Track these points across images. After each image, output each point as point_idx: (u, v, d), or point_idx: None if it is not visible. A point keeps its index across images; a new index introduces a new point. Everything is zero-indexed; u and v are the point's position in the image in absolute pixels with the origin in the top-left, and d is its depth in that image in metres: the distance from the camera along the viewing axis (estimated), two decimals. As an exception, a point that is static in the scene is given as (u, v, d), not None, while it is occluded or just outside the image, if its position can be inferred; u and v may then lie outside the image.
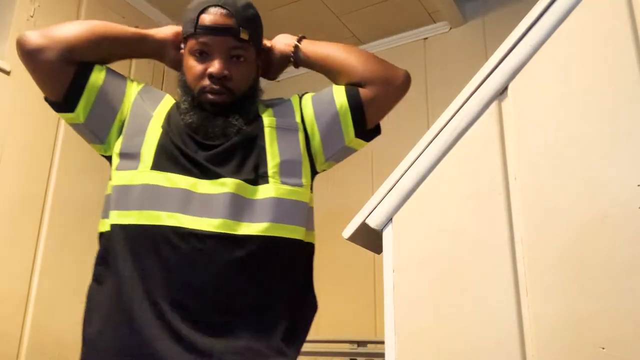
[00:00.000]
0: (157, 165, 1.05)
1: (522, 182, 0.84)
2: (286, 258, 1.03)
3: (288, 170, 1.07)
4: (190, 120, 1.09)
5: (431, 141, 0.93)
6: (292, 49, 1.16)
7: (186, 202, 1.01)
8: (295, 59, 1.18)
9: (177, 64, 1.17)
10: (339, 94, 1.15)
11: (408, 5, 2.65)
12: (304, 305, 1.11)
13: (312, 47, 1.18)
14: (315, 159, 1.13)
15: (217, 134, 1.08)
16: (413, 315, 0.87)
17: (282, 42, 1.18)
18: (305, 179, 1.08)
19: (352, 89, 1.14)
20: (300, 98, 1.20)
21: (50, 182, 2.07)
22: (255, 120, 1.12)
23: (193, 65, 1.09)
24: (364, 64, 1.16)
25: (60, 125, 2.15)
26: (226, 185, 1.02)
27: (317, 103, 1.16)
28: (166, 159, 1.05)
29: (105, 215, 1.07)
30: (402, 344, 0.87)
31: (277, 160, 1.07)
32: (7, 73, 1.98)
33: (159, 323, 0.96)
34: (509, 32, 0.91)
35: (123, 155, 1.10)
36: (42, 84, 1.17)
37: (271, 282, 1.02)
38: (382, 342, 0.92)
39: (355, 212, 1.01)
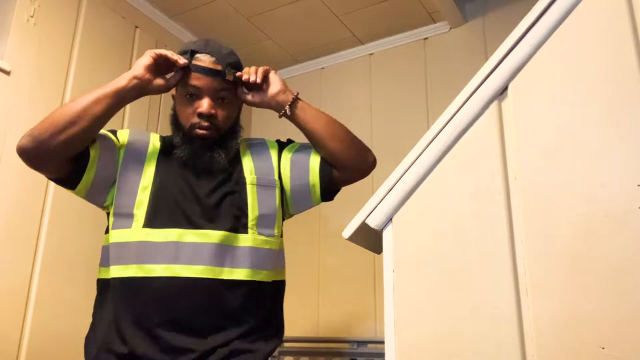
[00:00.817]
0: (148, 223, 1.21)
1: (522, 182, 0.84)
2: (258, 293, 1.24)
3: (264, 223, 1.27)
4: (181, 154, 1.27)
5: (431, 141, 0.93)
6: (287, 107, 1.29)
7: (176, 252, 1.18)
8: (285, 114, 1.30)
9: (163, 88, 1.27)
10: (314, 170, 1.33)
11: (408, 5, 2.65)
12: (271, 329, 1.30)
13: (303, 114, 1.30)
14: (285, 211, 1.35)
15: (204, 167, 1.27)
16: (413, 315, 0.87)
17: (278, 90, 1.30)
18: (277, 230, 1.30)
19: (326, 168, 1.33)
20: (280, 153, 1.37)
21: (50, 182, 2.06)
22: (237, 161, 1.32)
23: (184, 107, 1.28)
24: (343, 151, 1.32)
25: (60, 125, 2.15)
26: (211, 236, 1.20)
27: (294, 167, 1.34)
28: (157, 215, 1.22)
29: (105, 265, 1.24)
30: (402, 344, 0.87)
31: (256, 213, 1.26)
32: (7, 73, 1.98)
33: (144, 334, 1.17)
34: (509, 32, 0.91)
35: (117, 215, 1.24)
36: (46, 175, 1.30)
37: (245, 310, 1.22)
38: (382, 342, 0.92)
39: (355, 212, 1.01)
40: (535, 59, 0.88)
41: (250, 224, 1.25)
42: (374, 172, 3.03)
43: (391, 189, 0.95)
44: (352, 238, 1.01)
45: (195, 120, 1.26)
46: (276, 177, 1.32)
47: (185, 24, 2.79)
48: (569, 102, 0.83)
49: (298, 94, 1.30)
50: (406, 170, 0.94)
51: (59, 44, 2.19)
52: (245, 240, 1.24)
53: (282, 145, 1.40)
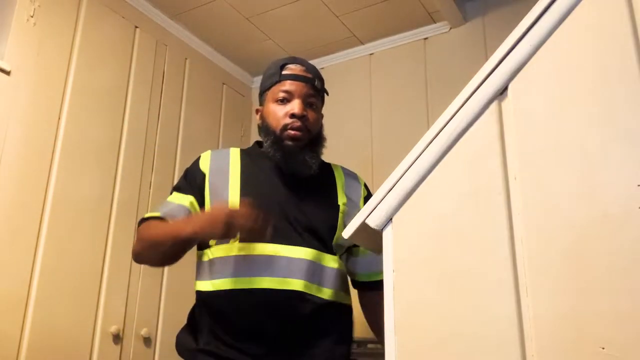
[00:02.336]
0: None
1: (522, 182, 0.84)
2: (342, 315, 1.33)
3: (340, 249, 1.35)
4: (273, 155, 1.32)
5: (431, 141, 0.93)
6: None
7: (272, 265, 1.23)
8: None
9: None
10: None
11: (408, 5, 2.64)
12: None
13: None
14: None
15: (296, 169, 1.31)
16: (413, 315, 0.87)
17: None
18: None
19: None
20: (366, 197, 1.43)
21: (50, 182, 2.06)
22: (330, 178, 1.40)
23: (276, 109, 1.33)
24: None
25: (60, 125, 2.15)
26: (304, 252, 1.25)
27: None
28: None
29: (205, 278, 1.29)
30: (402, 344, 0.87)
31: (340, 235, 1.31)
32: (7, 73, 1.98)
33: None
34: (509, 32, 0.91)
35: None
36: None
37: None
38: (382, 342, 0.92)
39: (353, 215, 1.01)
40: (535, 59, 0.88)
41: (334, 243, 1.31)
42: (373, 172, 3.02)
43: (391, 189, 0.95)
44: (352, 238, 1.01)
45: (288, 121, 1.31)
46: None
47: (185, 24, 2.79)
48: (569, 102, 0.83)
49: None
50: (406, 170, 0.94)
51: (59, 44, 2.19)
52: (333, 261, 1.30)
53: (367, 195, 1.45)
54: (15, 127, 1.97)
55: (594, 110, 0.81)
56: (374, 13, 2.71)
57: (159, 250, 1.27)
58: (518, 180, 0.84)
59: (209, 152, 1.41)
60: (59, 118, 2.15)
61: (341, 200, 1.36)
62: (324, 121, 1.44)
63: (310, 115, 1.33)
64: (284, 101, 1.33)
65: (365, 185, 1.48)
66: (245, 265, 1.23)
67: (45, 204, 2.04)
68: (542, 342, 0.76)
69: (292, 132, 1.30)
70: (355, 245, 1.38)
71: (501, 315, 0.80)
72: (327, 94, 1.42)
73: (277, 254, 1.23)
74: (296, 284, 1.22)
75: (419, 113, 2.73)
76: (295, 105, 1.31)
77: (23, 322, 1.90)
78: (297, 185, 1.32)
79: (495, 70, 0.90)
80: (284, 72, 1.35)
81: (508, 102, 0.89)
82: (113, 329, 2.15)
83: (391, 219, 0.95)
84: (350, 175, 1.47)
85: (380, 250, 0.98)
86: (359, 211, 1.22)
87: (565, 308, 0.75)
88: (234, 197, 1.27)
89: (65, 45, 2.22)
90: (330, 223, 1.31)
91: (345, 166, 1.60)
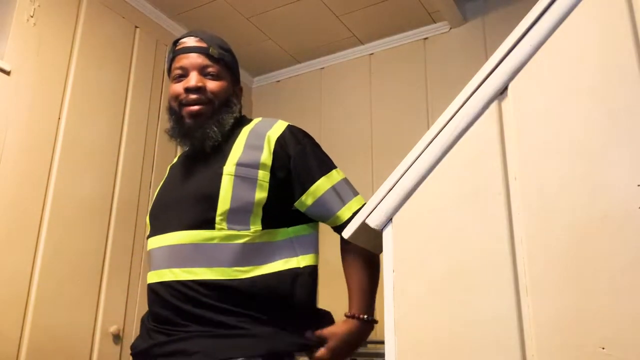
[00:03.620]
0: (150, 232, 1.26)
1: (522, 182, 0.84)
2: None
3: (236, 218, 1.21)
4: (173, 135, 1.25)
5: (431, 141, 0.93)
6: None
7: (159, 257, 1.21)
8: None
9: None
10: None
11: (408, 5, 2.65)
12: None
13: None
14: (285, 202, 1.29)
15: (198, 146, 1.22)
16: (413, 315, 0.87)
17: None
18: (254, 225, 1.19)
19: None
20: (275, 150, 1.26)
21: (50, 182, 2.07)
22: (230, 144, 1.23)
23: (174, 87, 1.25)
24: None
25: (60, 125, 2.15)
26: (171, 238, 1.20)
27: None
28: (153, 223, 1.26)
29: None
30: (402, 344, 0.87)
31: (227, 207, 1.16)
32: (7, 73, 1.98)
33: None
34: (509, 32, 0.91)
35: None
36: None
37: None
38: (382, 342, 0.92)
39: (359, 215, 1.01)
40: (535, 59, 0.88)
41: (218, 219, 1.14)
42: (373, 172, 3.02)
43: (391, 189, 0.95)
44: (352, 238, 1.01)
45: (183, 96, 1.22)
46: (264, 171, 1.18)
47: (185, 24, 2.79)
48: (569, 102, 0.83)
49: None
50: (406, 170, 0.94)
51: (59, 44, 2.19)
52: (214, 237, 1.13)
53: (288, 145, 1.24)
54: (15, 127, 1.97)
55: (594, 110, 0.81)
56: (374, 13, 2.71)
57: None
58: (518, 180, 0.84)
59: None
60: (59, 118, 2.15)
61: (229, 164, 1.17)
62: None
63: (211, 85, 1.23)
64: (181, 78, 1.24)
65: (285, 134, 1.23)
66: (150, 259, 1.25)
67: (45, 204, 2.04)
68: (542, 342, 0.76)
69: (190, 107, 1.21)
70: (295, 200, 1.22)
71: (501, 315, 0.80)
72: (237, 64, 1.31)
73: (155, 247, 1.21)
74: (164, 274, 1.15)
75: (419, 113, 2.73)
76: (190, 79, 1.22)
77: (23, 322, 1.90)
78: (195, 160, 1.24)
79: (495, 70, 0.90)
80: (176, 48, 1.27)
81: (508, 102, 0.89)
82: (113, 329, 2.16)
83: (391, 219, 0.95)
84: (258, 131, 1.24)
85: (380, 250, 0.98)
86: (257, 170, 1.16)
87: (565, 308, 0.75)
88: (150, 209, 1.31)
89: (65, 45, 2.22)
90: (209, 193, 1.15)
91: (345, 166, 1.49)
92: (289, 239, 1.23)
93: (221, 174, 1.16)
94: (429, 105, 2.72)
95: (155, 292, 1.17)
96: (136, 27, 2.57)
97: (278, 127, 1.24)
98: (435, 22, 2.79)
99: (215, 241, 1.13)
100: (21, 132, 1.99)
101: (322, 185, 1.21)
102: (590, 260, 0.75)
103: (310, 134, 1.31)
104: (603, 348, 0.71)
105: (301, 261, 1.23)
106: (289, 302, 1.17)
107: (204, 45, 1.26)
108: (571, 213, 0.78)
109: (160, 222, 1.22)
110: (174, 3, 2.64)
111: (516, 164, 0.85)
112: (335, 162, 1.69)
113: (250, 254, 1.15)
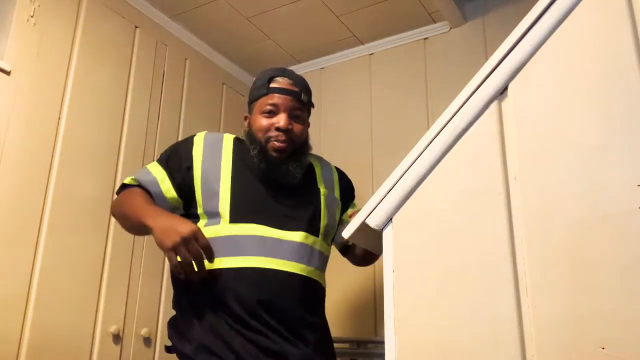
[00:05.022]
0: (234, 219, 1.32)
1: (522, 182, 0.84)
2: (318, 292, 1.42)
3: (328, 232, 1.47)
4: (258, 164, 1.38)
5: (431, 141, 0.93)
6: None
7: (263, 246, 1.31)
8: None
9: (165, 251, 1.24)
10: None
11: (408, 5, 2.64)
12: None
13: None
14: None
15: (280, 180, 1.38)
16: (413, 315, 0.87)
17: None
18: (329, 240, 1.51)
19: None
20: (340, 182, 1.62)
21: (50, 182, 2.06)
22: (311, 171, 1.50)
23: (262, 121, 1.39)
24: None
25: (60, 125, 2.15)
26: (293, 235, 1.35)
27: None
28: (240, 212, 1.33)
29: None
30: (402, 344, 0.87)
31: (325, 222, 1.44)
32: (7, 73, 1.98)
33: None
34: (509, 32, 0.91)
35: (207, 214, 1.35)
36: None
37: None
38: (382, 342, 0.92)
39: (356, 217, 1.01)
40: (535, 59, 0.88)
41: (321, 230, 1.40)
42: (373, 172, 3.02)
43: (391, 189, 0.95)
44: (352, 238, 1.01)
45: (273, 133, 1.37)
46: (338, 197, 1.52)
47: (186, 24, 2.79)
48: (569, 102, 0.83)
49: None
50: (406, 170, 0.95)
51: (59, 44, 2.19)
52: (317, 243, 1.38)
53: (345, 181, 1.62)
54: (15, 127, 1.97)
55: (594, 110, 0.81)
56: (374, 13, 2.71)
57: (127, 224, 1.36)
58: (518, 180, 0.84)
59: (202, 135, 1.45)
60: (59, 118, 2.15)
61: (322, 189, 1.47)
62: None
63: (296, 127, 1.40)
64: (271, 113, 1.39)
65: (339, 171, 1.63)
66: (235, 244, 1.32)
67: (45, 204, 2.04)
68: (542, 342, 0.76)
69: (277, 144, 1.37)
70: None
71: (501, 315, 0.80)
72: (313, 107, 1.50)
73: (264, 235, 1.31)
74: (287, 264, 1.30)
75: (419, 113, 2.73)
76: (280, 119, 1.37)
77: (23, 322, 1.90)
78: (282, 189, 1.40)
79: (495, 70, 0.90)
80: (271, 86, 1.41)
81: (508, 102, 0.89)
82: (113, 329, 2.15)
83: (391, 219, 0.95)
84: (325, 168, 1.57)
85: (380, 250, 0.98)
86: (333, 193, 1.50)
87: (565, 308, 0.75)
88: (224, 193, 1.33)
89: (65, 45, 2.22)
90: (314, 211, 1.41)
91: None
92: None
93: (319, 194, 1.44)
94: (429, 105, 2.72)
95: (280, 279, 1.29)
96: (136, 27, 2.57)
97: (334, 167, 1.64)
98: (435, 22, 2.79)
99: (317, 247, 1.39)
100: (21, 132, 1.99)
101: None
102: (590, 260, 0.75)
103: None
104: (603, 348, 0.71)
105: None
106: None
107: (296, 89, 1.42)
108: (571, 213, 0.78)
109: (270, 216, 1.33)
110: (174, 3, 2.64)
111: (516, 164, 0.85)
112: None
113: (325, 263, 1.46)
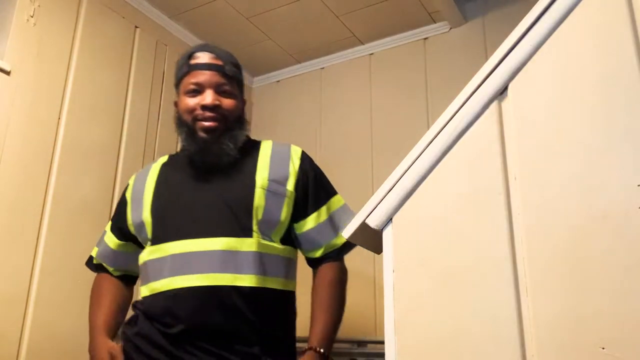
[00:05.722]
0: (154, 240, 1.25)
1: (522, 182, 0.84)
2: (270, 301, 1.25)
3: (267, 228, 1.29)
4: (187, 148, 1.28)
5: (431, 141, 0.93)
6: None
7: (181, 264, 1.20)
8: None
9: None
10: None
11: (408, 5, 2.64)
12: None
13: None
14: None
15: (213, 161, 1.26)
16: (413, 315, 0.87)
17: None
18: (276, 237, 1.29)
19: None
20: (303, 168, 1.38)
21: (50, 182, 2.06)
22: (251, 161, 1.30)
23: (187, 101, 1.28)
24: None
25: (60, 125, 2.15)
26: (214, 243, 1.22)
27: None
28: (161, 230, 1.25)
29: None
30: (402, 344, 0.87)
31: (260, 217, 1.27)
32: (7, 73, 1.98)
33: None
34: (509, 32, 0.91)
35: (144, 242, 1.31)
36: None
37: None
38: (382, 342, 0.92)
39: (355, 212, 1.01)
40: (535, 59, 0.88)
41: (254, 228, 1.22)
42: (373, 172, 3.02)
43: (391, 189, 0.95)
44: (352, 238, 1.01)
45: (199, 112, 1.26)
46: (292, 189, 1.28)
47: (185, 24, 2.79)
48: (569, 102, 0.83)
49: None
50: (406, 170, 0.94)
51: (59, 44, 2.19)
52: (250, 244, 1.21)
53: (308, 165, 1.36)
54: (15, 127, 1.97)
55: (594, 110, 0.81)
56: (374, 13, 2.71)
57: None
58: (518, 180, 0.84)
59: (134, 175, 1.42)
60: (59, 118, 2.15)
61: (260, 178, 1.26)
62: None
63: (225, 103, 1.28)
64: (195, 92, 1.28)
65: (304, 157, 1.36)
66: (156, 267, 1.23)
67: (45, 204, 2.04)
68: (542, 342, 0.76)
69: (205, 123, 1.26)
70: (296, 220, 1.31)
71: (501, 315, 0.80)
72: (242, 77, 1.36)
73: (184, 251, 1.20)
74: (210, 278, 1.16)
75: (419, 113, 2.73)
76: (206, 96, 1.26)
77: (23, 322, 1.90)
78: (212, 173, 1.28)
79: (495, 70, 0.90)
80: (192, 62, 1.30)
81: (508, 102, 0.89)
82: (113, 329, 2.15)
83: (391, 219, 0.95)
84: (280, 151, 1.34)
85: (380, 250, 0.98)
86: (286, 188, 1.27)
87: (565, 308, 0.75)
88: (146, 218, 1.27)
89: (65, 45, 2.22)
90: (245, 205, 1.23)
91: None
92: (290, 259, 1.31)
93: (253, 186, 1.24)
94: (429, 105, 2.72)
95: (196, 297, 1.17)
96: (136, 27, 2.57)
97: (297, 150, 1.36)
98: (435, 22, 2.79)
99: (253, 249, 1.20)
100: (21, 132, 1.99)
101: (324, 213, 1.32)
102: (590, 260, 0.75)
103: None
104: (603, 348, 0.71)
105: (293, 284, 1.33)
106: (283, 323, 1.28)
107: (219, 62, 1.29)
108: (571, 213, 0.78)
109: (185, 226, 1.22)
110: (174, 3, 2.64)
111: (516, 164, 0.85)
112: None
113: (275, 264, 1.25)
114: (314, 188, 1.32)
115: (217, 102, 1.26)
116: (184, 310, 1.16)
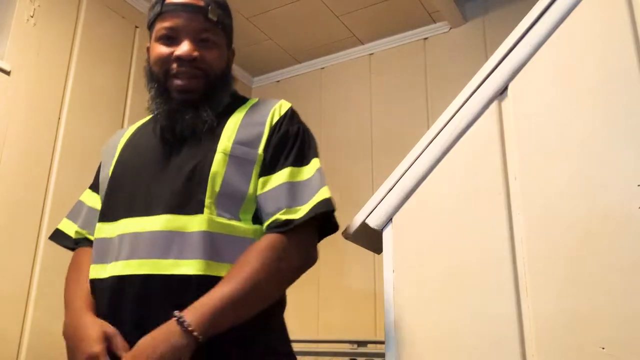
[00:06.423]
0: (102, 216, 1.00)
1: (522, 182, 0.84)
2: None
3: (226, 202, 0.98)
4: (157, 112, 1.02)
5: (431, 141, 0.93)
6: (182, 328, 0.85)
7: (119, 247, 0.94)
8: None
9: None
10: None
11: (408, 5, 2.64)
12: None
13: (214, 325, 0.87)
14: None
15: (185, 131, 0.99)
16: (413, 315, 0.87)
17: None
18: (244, 214, 0.97)
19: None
20: (276, 124, 1.04)
21: (50, 182, 2.06)
22: (231, 111, 1.02)
23: (159, 50, 1.02)
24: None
25: (60, 125, 2.15)
26: (152, 222, 0.94)
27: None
28: (111, 205, 0.99)
29: None
30: (402, 344, 0.87)
31: (217, 189, 0.98)
32: (7, 73, 1.98)
33: None
34: (509, 32, 0.91)
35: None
36: None
37: None
38: (382, 342, 0.92)
39: (355, 212, 1.01)
40: (535, 59, 0.88)
41: (207, 202, 0.93)
42: (374, 172, 3.01)
43: (391, 189, 0.95)
44: (352, 238, 1.01)
45: (173, 66, 1.00)
46: (261, 151, 0.98)
47: (185, 24, 2.79)
48: (569, 102, 0.83)
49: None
50: (406, 170, 0.94)
51: (59, 44, 2.19)
52: (201, 223, 0.91)
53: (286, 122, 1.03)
54: (15, 127, 1.97)
55: (594, 110, 0.81)
56: (374, 13, 2.71)
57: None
58: (518, 180, 0.84)
59: (113, 135, 1.16)
60: (59, 118, 2.15)
61: (224, 141, 0.98)
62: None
63: (207, 55, 1.00)
64: (169, 40, 1.01)
65: (287, 113, 1.03)
66: (99, 250, 0.98)
67: (45, 204, 2.04)
68: (542, 342, 0.76)
69: (179, 81, 0.99)
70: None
71: (501, 315, 0.80)
72: (230, 21, 1.08)
73: (125, 232, 0.94)
74: (144, 265, 0.90)
75: (419, 113, 2.73)
76: (182, 46, 0.99)
77: (23, 322, 1.90)
78: (181, 144, 1.00)
79: (495, 70, 0.90)
80: (166, 2, 1.02)
81: (508, 102, 0.89)
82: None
83: (391, 219, 0.95)
84: (260, 108, 1.04)
85: (380, 250, 0.98)
86: (257, 152, 0.96)
87: (565, 308, 0.75)
88: (104, 178, 1.04)
89: (65, 45, 2.22)
90: (200, 174, 0.95)
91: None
92: (250, 240, 0.97)
93: (214, 151, 0.96)
94: (429, 105, 2.72)
95: (137, 288, 0.89)
96: (136, 27, 2.57)
97: (284, 105, 1.05)
98: (435, 22, 2.79)
99: (201, 228, 0.91)
100: (21, 132, 1.99)
101: (285, 176, 0.97)
102: (590, 260, 0.75)
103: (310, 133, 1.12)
104: (603, 348, 0.71)
105: None
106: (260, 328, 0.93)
107: (201, 4, 1.01)
108: (571, 213, 0.78)
109: (134, 202, 0.96)
110: (174, 3, 2.65)
111: (516, 164, 0.85)
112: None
113: (237, 248, 0.94)
114: (281, 146, 0.99)
115: (195, 54, 0.99)
116: (127, 305, 0.90)
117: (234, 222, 0.94)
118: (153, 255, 0.91)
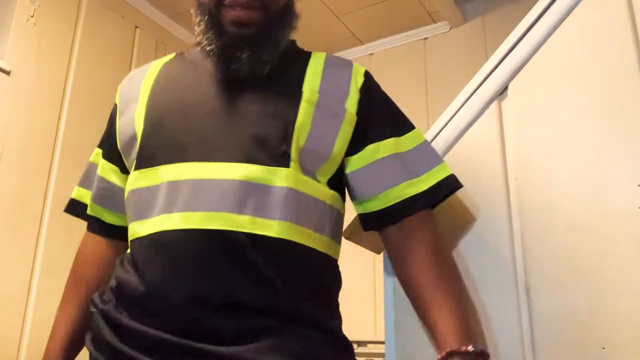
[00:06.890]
0: (140, 163, 0.84)
1: (522, 182, 0.84)
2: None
3: (312, 159, 0.85)
4: (207, 47, 0.85)
5: (431, 141, 0.93)
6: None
7: (174, 196, 0.79)
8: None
9: None
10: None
11: (408, 5, 2.64)
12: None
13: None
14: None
15: (245, 72, 0.84)
16: (413, 315, 0.87)
17: None
18: (323, 177, 0.85)
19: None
20: (363, 86, 0.93)
21: (50, 182, 2.06)
22: (298, 71, 0.89)
23: None
24: None
25: (60, 125, 2.15)
26: (227, 171, 0.80)
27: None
28: (151, 150, 0.84)
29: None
30: (402, 344, 0.87)
31: (302, 143, 0.84)
32: (7, 73, 1.98)
33: None
34: (509, 32, 0.91)
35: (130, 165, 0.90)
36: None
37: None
38: (382, 342, 0.92)
39: (355, 212, 1.01)
40: (535, 59, 0.88)
41: (293, 155, 0.79)
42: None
43: (391, 189, 0.95)
44: (352, 238, 1.01)
45: None
46: (353, 110, 0.86)
47: (185, 24, 2.79)
48: (569, 102, 0.83)
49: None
50: (406, 170, 0.94)
51: (59, 44, 2.19)
52: (285, 177, 0.78)
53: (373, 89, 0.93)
54: (15, 127, 1.97)
55: (594, 110, 0.81)
56: (374, 13, 2.71)
57: None
58: (518, 180, 0.84)
59: (124, 79, 1.00)
60: (59, 118, 2.15)
61: (308, 89, 0.85)
62: None
63: None
64: None
65: (368, 76, 0.93)
66: (141, 201, 0.83)
67: (45, 204, 2.04)
68: (542, 342, 0.76)
69: (234, 12, 0.83)
70: (349, 154, 0.86)
71: (501, 315, 0.80)
72: None
73: (180, 179, 0.79)
74: (218, 219, 0.75)
75: (419, 113, 2.73)
76: None
77: (23, 322, 1.90)
78: (241, 86, 0.85)
79: (495, 70, 0.90)
80: None
81: (508, 102, 0.89)
82: (113, 329, 2.16)
83: (391, 219, 0.95)
84: (335, 64, 0.92)
85: (380, 250, 0.98)
86: (345, 107, 0.84)
87: (566, 308, 0.75)
88: (138, 121, 0.86)
89: (65, 45, 2.22)
90: (283, 123, 0.81)
91: None
92: (339, 212, 0.87)
93: (299, 98, 0.83)
94: (429, 105, 2.72)
95: (200, 246, 0.75)
96: (136, 27, 2.57)
97: (360, 67, 0.95)
98: (435, 22, 2.79)
99: (288, 184, 0.78)
100: (21, 132, 1.99)
101: (390, 147, 0.85)
102: (590, 260, 0.75)
103: None
104: (603, 348, 0.71)
105: (337, 251, 0.88)
106: (324, 300, 0.84)
107: None
108: (571, 213, 0.78)
109: (188, 146, 0.81)
110: (174, 3, 2.64)
111: (516, 164, 0.85)
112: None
113: (319, 214, 0.83)
114: (380, 114, 0.89)
115: None
116: (179, 270, 0.75)
117: (315, 183, 0.82)
118: (225, 208, 0.76)
